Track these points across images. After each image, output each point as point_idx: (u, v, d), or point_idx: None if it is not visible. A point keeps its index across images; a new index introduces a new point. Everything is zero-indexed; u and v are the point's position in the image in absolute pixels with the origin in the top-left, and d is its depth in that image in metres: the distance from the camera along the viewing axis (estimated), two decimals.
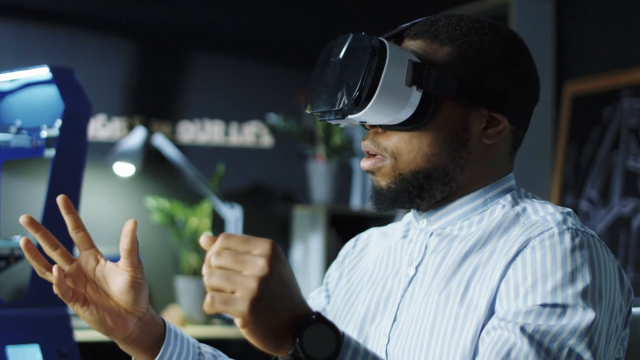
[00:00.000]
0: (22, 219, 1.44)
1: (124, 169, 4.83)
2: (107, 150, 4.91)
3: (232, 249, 1.17)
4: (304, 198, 5.33)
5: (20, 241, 1.44)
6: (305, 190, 5.30)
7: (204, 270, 1.17)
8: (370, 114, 1.48)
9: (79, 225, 1.47)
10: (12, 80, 2.83)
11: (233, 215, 4.91)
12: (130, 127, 5.03)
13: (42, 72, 2.70)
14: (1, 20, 4.86)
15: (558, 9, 4.55)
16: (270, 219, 5.32)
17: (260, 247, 1.16)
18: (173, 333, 1.54)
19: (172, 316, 4.66)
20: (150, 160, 4.97)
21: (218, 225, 5.00)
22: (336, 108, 1.50)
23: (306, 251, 5.11)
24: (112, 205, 4.84)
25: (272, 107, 5.22)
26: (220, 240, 1.18)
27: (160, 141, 4.91)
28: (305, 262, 5.11)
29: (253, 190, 5.29)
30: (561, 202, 4.33)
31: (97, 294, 1.47)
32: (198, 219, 4.86)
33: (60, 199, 1.44)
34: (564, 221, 1.44)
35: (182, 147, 5.11)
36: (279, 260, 1.16)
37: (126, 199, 4.94)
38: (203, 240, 1.20)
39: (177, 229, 4.85)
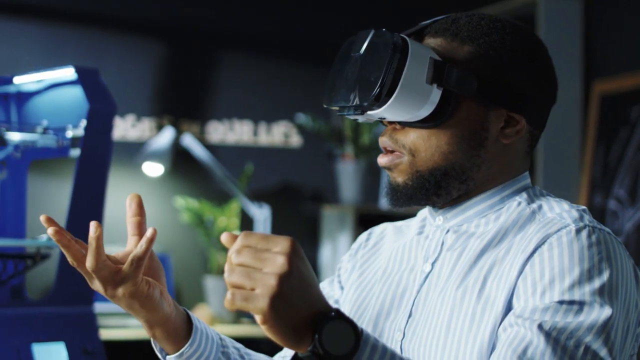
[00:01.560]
0: (42, 218, 1.43)
1: (153, 169, 4.86)
2: (137, 150, 4.94)
3: (253, 246, 1.18)
4: (333, 198, 5.34)
5: (93, 226, 1.40)
6: (333, 189, 5.31)
7: (226, 267, 1.19)
8: (390, 111, 1.49)
9: (72, 239, 1.44)
10: (38, 81, 2.86)
11: (262, 214, 4.93)
12: (160, 127, 5.06)
13: (68, 73, 2.72)
14: (32, 21, 4.90)
15: (586, 8, 4.53)
16: (298, 219, 5.33)
17: (280, 245, 1.18)
18: (195, 318, 1.56)
19: (201, 315, 4.68)
20: (179, 160, 5.00)
21: (246, 225, 5.02)
22: (356, 104, 1.50)
23: (335, 251, 5.11)
24: None
25: (301, 107, 5.23)
26: (240, 238, 1.19)
27: (189, 141, 4.93)
28: (333, 261, 5.11)
29: (282, 190, 5.30)
30: (589, 202, 4.31)
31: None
32: (227, 219, 4.88)
33: (43, 219, 1.42)
34: (581, 218, 1.45)
35: (211, 147, 5.13)
36: (298, 258, 1.18)
37: (155, 199, 4.97)
38: (224, 238, 1.22)
39: (206, 229, 4.87)
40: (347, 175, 5.13)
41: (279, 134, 5.31)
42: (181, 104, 5.17)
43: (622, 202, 4.14)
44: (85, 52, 4.97)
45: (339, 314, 1.20)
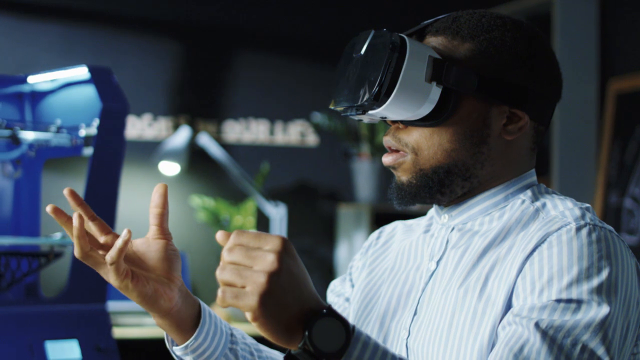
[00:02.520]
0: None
1: (170, 168, 4.88)
2: (154, 150, 4.96)
3: (244, 244, 1.20)
4: (349, 196, 5.34)
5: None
6: (350, 188, 5.32)
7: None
8: (390, 110, 1.49)
9: (92, 215, 1.45)
10: (52, 80, 2.87)
11: (277, 213, 4.94)
12: (176, 127, 5.08)
13: (81, 72, 2.74)
14: (49, 21, 4.92)
15: (602, 6, 4.52)
16: (315, 218, 5.34)
17: (271, 243, 1.19)
18: (207, 311, 1.55)
19: (217, 313, 4.68)
20: (195, 159, 5.02)
21: (263, 224, 5.03)
22: (357, 104, 1.51)
23: (351, 249, 5.12)
24: None
25: (317, 106, 5.24)
26: (233, 236, 1.21)
27: (205, 140, 4.95)
28: (350, 260, 5.12)
29: (298, 189, 5.31)
30: (605, 200, 4.31)
31: (139, 269, 1.46)
32: (242, 218, 4.89)
33: (67, 192, 1.44)
34: (582, 216, 1.44)
35: (227, 146, 5.15)
36: (289, 256, 1.20)
37: (171, 198, 4.98)
38: (219, 236, 1.24)
39: (222, 227, 4.89)
40: (363, 174, 5.14)
41: (296, 133, 5.32)
42: (198, 103, 5.19)
43: (638, 201, 4.14)
44: (102, 52, 4.99)
45: (330, 311, 1.22)
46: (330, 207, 5.35)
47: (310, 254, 5.29)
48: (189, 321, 1.52)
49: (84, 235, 1.41)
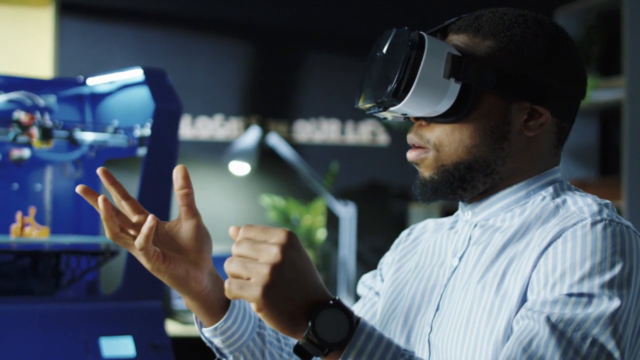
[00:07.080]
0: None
1: (240, 168, 4.93)
2: (225, 150, 5.02)
3: (251, 238, 1.26)
4: None
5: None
6: None
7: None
8: (409, 106, 1.51)
9: (125, 193, 1.47)
10: (110, 82, 2.93)
11: (347, 212, 4.96)
12: (247, 127, 5.13)
13: (137, 74, 2.79)
14: (122, 24, 5.01)
15: None
16: (385, 217, 5.35)
17: (276, 237, 1.24)
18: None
19: None
20: (265, 159, 5.06)
21: (332, 223, 5.06)
22: (378, 101, 1.54)
23: None
24: (228, 203, 4.94)
25: None
26: (242, 230, 1.27)
27: (275, 140, 4.99)
28: None
29: (369, 188, 5.33)
30: None
31: (171, 250, 1.49)
32: (312, 217, 4.92)
33: (100, 171, 1.46)
34: (599, 212, 1.44)
35: (298, 146, 5.19)
36: (293, 249, 1.24)
37: (242, 197, 5.04)
38: (231, 231, 1.30)
39: (292, 227, 4.92)
40: None
41: (367, 133, 5.34)
42: (269, 104, 5.24)
43: None
44: (174, 54, 5.07)
45: (336, 303, 1.25)
46: (401, 207, 5.36)
47: (380, 253, 5.29)
48: (217, 304, 1.55)
49: (112, 217, 1.44)
